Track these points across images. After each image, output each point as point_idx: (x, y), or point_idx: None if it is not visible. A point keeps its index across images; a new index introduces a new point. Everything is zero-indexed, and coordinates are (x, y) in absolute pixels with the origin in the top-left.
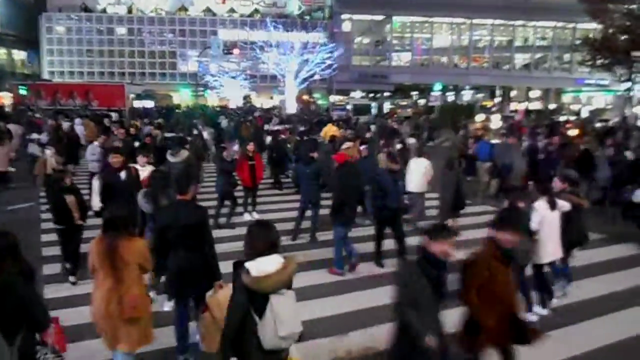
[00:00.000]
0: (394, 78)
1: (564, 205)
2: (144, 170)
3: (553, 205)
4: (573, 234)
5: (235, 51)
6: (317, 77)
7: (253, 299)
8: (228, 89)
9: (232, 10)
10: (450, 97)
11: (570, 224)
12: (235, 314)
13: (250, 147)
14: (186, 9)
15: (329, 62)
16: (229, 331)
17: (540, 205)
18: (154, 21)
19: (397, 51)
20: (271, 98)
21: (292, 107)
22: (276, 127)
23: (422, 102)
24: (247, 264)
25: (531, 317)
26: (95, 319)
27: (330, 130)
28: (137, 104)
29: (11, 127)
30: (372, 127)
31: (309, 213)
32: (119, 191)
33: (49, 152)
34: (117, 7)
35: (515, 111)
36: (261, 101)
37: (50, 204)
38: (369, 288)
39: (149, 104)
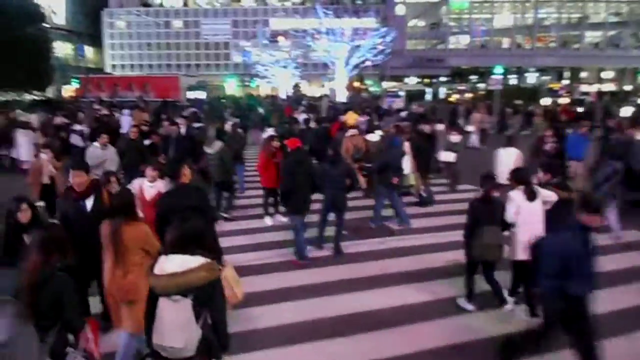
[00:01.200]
0: (451, 61)
1: (549, 196)
2: (152, 188)
3: (532, 196)
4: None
5: (281, 38)
6: (368, 63)
7: (150, 297)
8: (278, 78)
9: None
10: (513, 80)
11: (557, 220)
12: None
13: (275, 143)
14: (239, 0)
15: (381, 47)
16: (145, 319)
17: (517, 194)
18: (209, 13)
19: (455, 33)
20: (322, 86)
21: (342, 95)
22: (302, 117)
23: (481, 86)
24: (159, 258)
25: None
26: (106, 298)
27: (351, 117)
28: (190, 95)
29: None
30: (403, 114)
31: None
32: (80, 230)
33: (44, 155)
34: (173, 0)
35: (587, 94)
36: (312, 89)
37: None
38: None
39: (202, 94)
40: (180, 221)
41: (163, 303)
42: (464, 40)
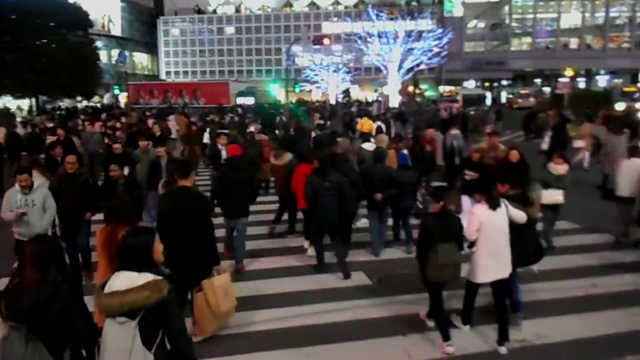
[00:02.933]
0: (513, 64)
1: (518, 216)
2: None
3: (495, 204)
4: (526, 248)
5: (325, 41)
6: (423, 66)
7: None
8: (328, 83)
9: (336, 3)
10: (581, 83)
11: (521, 236)
12: None
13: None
14: (291, 5)
15: (437, 49)
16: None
17: (478, 208)
18: (261, 18)
19: (517, 34)
20: (375, 91)
21: (395, 100)
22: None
23: (546, 89)
24: (114, 275)
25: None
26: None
27: (366, 124)
28: (240, 100)
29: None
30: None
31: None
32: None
33: None
34: (226, 7)
35: None
36: (364, 94)
37: None
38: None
39: (250, 100)
40: (127, 235)
41: (108, 325)
42: (527, 42)
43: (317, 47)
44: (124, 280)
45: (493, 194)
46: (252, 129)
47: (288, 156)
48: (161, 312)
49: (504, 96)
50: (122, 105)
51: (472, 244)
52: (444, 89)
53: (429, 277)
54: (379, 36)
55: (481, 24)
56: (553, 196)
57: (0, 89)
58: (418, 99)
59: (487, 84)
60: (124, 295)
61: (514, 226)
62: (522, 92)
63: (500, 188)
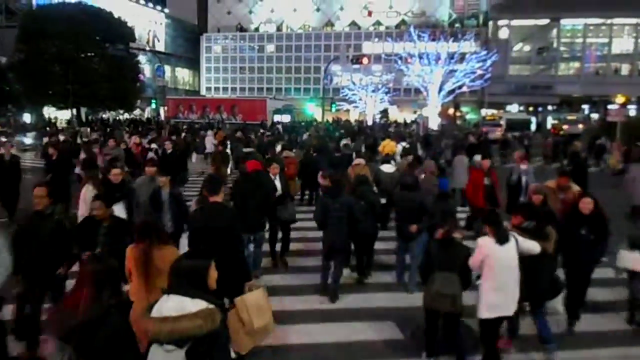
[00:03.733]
0: (560, 89)
1: (530, 246)
2: None
3: (502, 238)
4: (542, 284)
5: (364, 61)
6: (465, 88)
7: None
8: (366, 103)
9: (378, 23)
10: (632, 111)
11: (538, 271)
12: None
13: (274, 167)
14: (332, 24)
15: (480, 71)
16: None
17: (484, 240)
18: (301, 37)
19: (565, 59)
20: (414, 112)
21: (434, 122)
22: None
23: (594, 116)
24: (162, 297)
25: None
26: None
27: (388, 146)
28: (277, 117)
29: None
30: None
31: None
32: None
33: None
34: (268, 25)
35: None
36: (403, 115)
37: None
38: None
39: (287, 118)
40: (182, 257)
41: (154, 352)
42: (575, 66)
43: (356, 66)
44: (175, 305)
45: (501, 227)
46: (278, 147)
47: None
48: (211, 343)
49: (549, 122)
50: (162, 118)
51: (479, 276)
52: (486, 112)
53: (424, 303)
54: (420, 57)
55: (527, 47)
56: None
57: (43, 98)
58: (458, 122)
59: (531, 108)
60: (176, 322)
61: (528, 261)
62: (570, 117)
63: (513, 220)
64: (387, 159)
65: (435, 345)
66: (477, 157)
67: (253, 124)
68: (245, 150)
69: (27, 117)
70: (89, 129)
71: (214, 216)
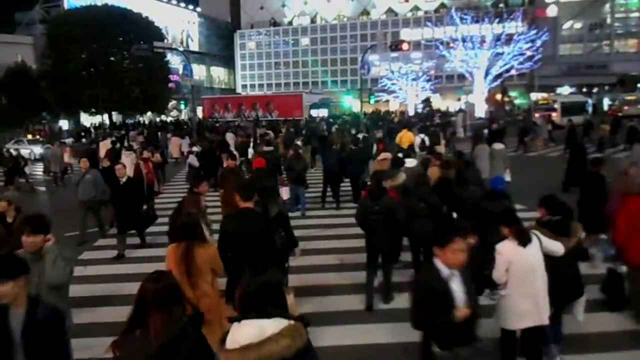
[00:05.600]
0: (617, 67)
1: (554, 247)
2: None
3: (524, 238)
4: (564, 286)
5: (404, 46)
6: (513, 72)
7: None
8: (407, 92)
9: (416, 8)
10: None
11: (558, 272)
12: None
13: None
14: (368, 13)
15: (529, 52)
16: None
17: (506, 246)
18: (336, 28)
19: (621, 35)
20: (458, 100)
21: (481, 109)
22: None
23: None
24: (232, 327)
25: None
26: None
27: (406, 137)
28: (314, 112)
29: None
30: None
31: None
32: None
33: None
34: (302, 18)
35: None
36: (446, 104)
37: None
38: None
39: (324, 112)
40: (251, 273)
41: None
42: (631, 43)
43: (395, 54)
44: (253, 331)
45: (520, 226)
46: (298, 142)
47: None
48: None
49: (606, 103)
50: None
51: (500, 286)
52: (536, 96)
53: None
54: (464, 40)
55: (578, 25)
56: None
57: (74, 104)
58: (507, 108)
59: (584, 89)
60: (261, 348)
61: (548, 259)
62: (628, 98)
63: (540, 212)
64: (408, 152)
65: None
66: (499, 145)
67: (289, 119)
68: (266, 149)
69: (64, 124)
70: (137, 134)
71: (245, 222)
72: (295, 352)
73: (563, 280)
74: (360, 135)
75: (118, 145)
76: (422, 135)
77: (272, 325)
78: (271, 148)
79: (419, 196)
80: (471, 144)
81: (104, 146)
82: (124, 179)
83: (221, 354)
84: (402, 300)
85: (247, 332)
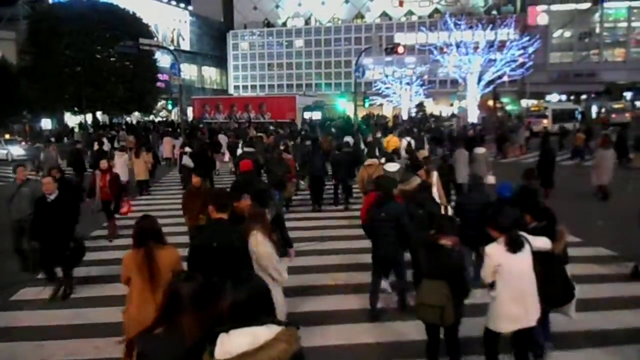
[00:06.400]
0: (605, 76)
1: (541, 244)
2: None
3: (515, 246)
4: (555, 288)
5: (400, 49)
6: (505, 78)
7: None
8: (400, 96)
9: (410, 13)
10: None
11: (548, 275)
12: None
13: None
14: (362, 16)
15: (521, 59)
16: None
17: (494, 249)
18: (331, 31)
19: (609, 45)
20: (451, 105)
21: (473, 115)
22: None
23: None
24: (219, 337)
25: None
26: (130, 326)
27: (391, 141)
28: (307, 115)
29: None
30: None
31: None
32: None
33: None
34: (296, 20)
35: None
36: (439, 108)
37: None
38: None
39: (317, 115)
40: (235, 282)
41: None
42: (620, 52)
43: (389, 58)
44: (246, 339)
45: (515, 235)
46: (282, 147)
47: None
48: None
49: (594, 111)
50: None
51: (491, 287)
52: (527, 102)
53: (416, 313)
54: (457, 46)
55: (568, 33)
56: None
57: (57, 103)
58: (499, 114)
59: (572, 97)
60: (258, 355)
61: (537, 264)
62: (616, 106)
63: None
64: (391, 157)
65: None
66: (480, 150)
67: (283, 122)
68: (247, 149)
69: (47, 123)
70: (126, 133)
71: (218, 234)
72: (291, 356)
73: (555, 284)
74: (349, 140)
75: (105, 146)
76: (408, 139)
77: (265, 332)
78: (252, 149)
79: (418, 202)
80: (449, 149)
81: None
82: (51, 196)
83: None
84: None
85: (239, 341)
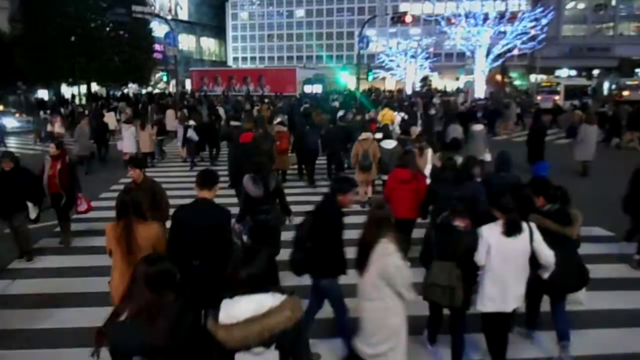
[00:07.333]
0: (619, 51)
1: (543, 254)
2: None
3: (511, 230)
4: (570, 272)
5: (407, 18)
6: (516, 51)
7: (220, 354)
8: (405, 70)
9: None
10: None
11: (562, 259)
12: None
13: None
14: None
15: (533, 32)
16: None
17: (489, 230)
18: (333, 0)
19: (624, 18)
20: (457, 79)
21: (480, 90)
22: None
23: None
24: (222, 303)
25: None
26: (114, 298)
27: (387, 115)
28: (307, 88)
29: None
30: None
31: None
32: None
33: None
34: None
35: None
36: (444, 83)
37: None
38: None
39: (318, 88)
40: (246, 255)
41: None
42: (635, 26)
43: (393, 29)
44: (252, 305)
45: (513, 216)
46: (278, 119)
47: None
48: (297, 335)
49: (606, 87)
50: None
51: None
52: (536, 77)
53: (422, 294)
54: (466, 17)
55: (581, 5)
56: None
57: (51, 73)
58: (507, 89)
59: (583, 73)
60: (265, 320)
61: (552, 246)
62: (630, 82)
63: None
64: (387, 134)
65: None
66: (478, 126)
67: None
68: (233, 123)
69: (44, 95)
70: (124, 104)
71: (201, 213)
72: (295, 323)
73: (571, 269)
74: (346, 114)
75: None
76: (402, 114)
77: (269, 299)
78: (238, 123)
79: (446, 181)
80: (442, 124)
81: (109, 117)
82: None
83: (218, 329)
84: None
85: (245, 306)
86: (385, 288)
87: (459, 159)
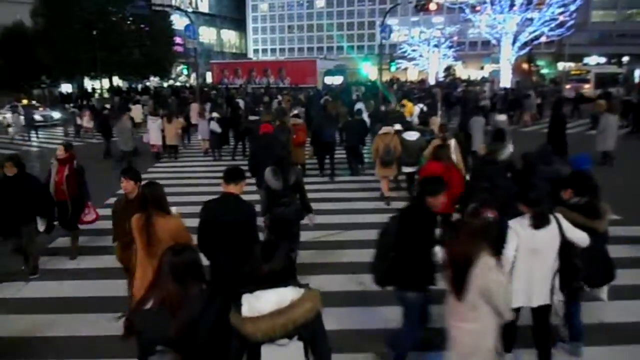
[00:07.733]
0: None
1: (578, 238)
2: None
3: (539, 222)
4: (596, 266)
5: (432, 6)
6: (543, 39)
7: (245, 346)
8: (428, 60)
9: None
10: None
11: (586, 253)
12: None
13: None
14: None
15: (562, 18)
16: None
17: (517, 223)
18: None
19: None
20: (481, 68)
21: (506, 79)
22: None
23: None
24: (244, 297)
25: None
26: (135, 291)
27: (407, 106)
28: (328, 80)
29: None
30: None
31: None
32: None
33: None
34: None
35: None
36: (468, 72)
37: None
38: None
39: (339, 79)
40: (264, 250)
41: (267, 352)
42: None
43: (415, 18)
44: (275, 298)
45: (541, 211)
46: (295, 112)
47: (508, 151)
48: (317, 326)
49: (637, 75)
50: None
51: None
52: (564, 65)
53: None
54: (492, 3)
55: None
56: None
57: (72, 67)
58: (534, 78)
59: (613, 60)
60: (289, 312)
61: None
62: None
63: (563, 195)
64: (410, 125)
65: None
66: (502, 117)
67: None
68: (251, 118)
69: (68, 88)
70: (150, 99)
71: (227, 209)
72: (316, 314)
73: (596, 263)
74: (362, 107)
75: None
76: (420, 105)
77: (290, 292)
78: (256, 117)
79: (486, 175)
80: (460, 115)
81: (135, 110)
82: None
83: (245, 323)
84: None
85: (269, 300)
86: (483, 307)
87: (506, 151)
